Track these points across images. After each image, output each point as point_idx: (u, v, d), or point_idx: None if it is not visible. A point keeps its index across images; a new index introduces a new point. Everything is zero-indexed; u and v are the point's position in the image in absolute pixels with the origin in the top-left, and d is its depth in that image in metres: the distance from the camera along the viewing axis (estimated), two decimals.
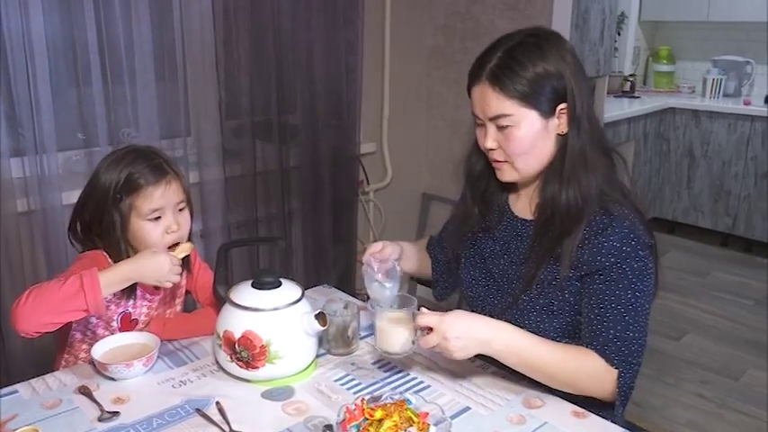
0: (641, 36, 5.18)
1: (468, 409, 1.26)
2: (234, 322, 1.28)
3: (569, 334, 1.34)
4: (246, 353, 1.27)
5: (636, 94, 4.84)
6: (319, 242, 2.90)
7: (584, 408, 1.26)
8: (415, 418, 1.13)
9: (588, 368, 1.25)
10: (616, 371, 1.24)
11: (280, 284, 1.33)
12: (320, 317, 1.30)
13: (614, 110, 4.20)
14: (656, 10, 4.96)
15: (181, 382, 1.33)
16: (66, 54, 2.14)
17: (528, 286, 1.35)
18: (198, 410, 1.22)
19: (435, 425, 1.13)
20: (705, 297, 3.75)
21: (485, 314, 1.37)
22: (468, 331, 1.22)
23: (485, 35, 3.10)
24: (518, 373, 1.36)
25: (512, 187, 1.45)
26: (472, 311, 1.46)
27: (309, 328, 1.29)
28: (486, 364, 1.40)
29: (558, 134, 1.30)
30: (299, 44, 2.62)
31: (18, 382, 1.32)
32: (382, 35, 3.10)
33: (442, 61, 3.29)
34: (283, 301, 1.30)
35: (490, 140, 1.31)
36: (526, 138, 1.28)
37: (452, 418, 1.21)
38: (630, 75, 4.96)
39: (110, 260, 1.43)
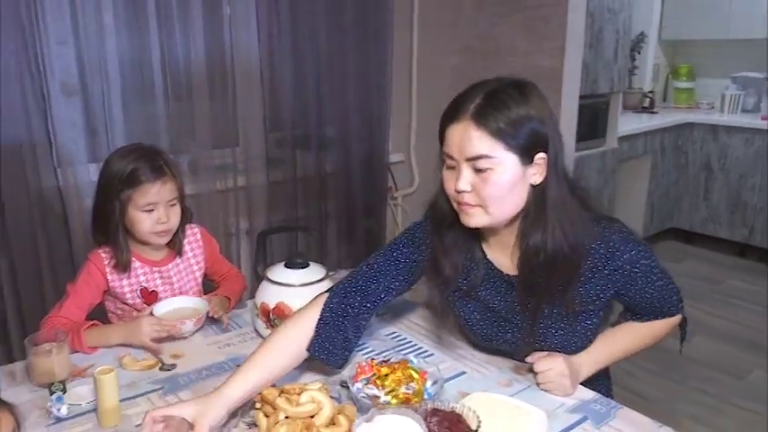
0: (661, 54, 5.27)
1: (463, 373, 1.42)
2: (269, 295, 1.50)
3: (596, 335, 1.41)
4: (279, 321, 1.48)
5: (655, 109, 4.93)
6: (352, 241, 3.09)
7: (583, 383, 1.38)
8: (415, 375, 1.29)
9: (660, 329, 1.43)
10: (679, 315, 1.44)
11: (308, 265, 1.55)
12: None
13: (632, 124, 4.32)
14: (677, 29, 5.04)
15: (226, 344, 1.55)
16: (134, 75, 2.36)
17: (532, 334, 1.36)
18: (238, 366, 1.40)
19: (433, 382, 1.30)
20: (717, 303, 3.80)
21: (503, 348, 1.45)
22: (571, 369, 1.32)
23: (505, 54, 3.27)
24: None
25: (481, 236, 1.37)
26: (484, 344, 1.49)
27: None
28: None
29: (531, 184, 1.24)
30: (334, 64, 2.82)
31: None
32: (410, 55, 3.29)
33: (465, 79, 3.35)
34: (310, 278, 1.51)
35: (464, 182, 1.21)
36: (504, 182, 1.20)
37: (449, 379, 1.38)
38: (650, 91, 5.05)
39: (107, 260, 1.63)
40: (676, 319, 1.45)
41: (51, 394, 1.24)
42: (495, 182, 1.20)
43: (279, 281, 1.50)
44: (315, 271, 1.55)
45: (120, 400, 1.24)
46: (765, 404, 2.78)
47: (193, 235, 1.80)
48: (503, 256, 1.36)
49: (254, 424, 1.18)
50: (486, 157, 1.18)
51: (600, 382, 1.47)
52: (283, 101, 2.74)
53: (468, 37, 3.42)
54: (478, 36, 3.37)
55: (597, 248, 1.28)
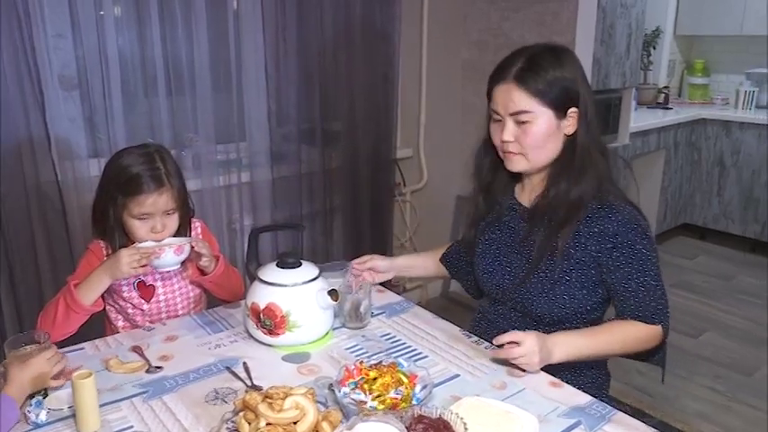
0: (677, 50, 5.14)
1: (457, 375, 1.36)
2: (260, 295, 1.43)
3: (579, 305, 1.47)
4: (269, 321, 1.41)
5: (669, 105, 4.80)
6: (358, 237, 3.02)
7: (583, 389, 1.33)
8: (404, 380, 1.23)
9: (637, 336, 1.42)
10: (660, 326, 1.43)
11: (300, 265, 1.47)
12: (333, 293, 1.43)
13: (646, 120, 4.20)
14: (692, 25, 4.92)
15: (216, 345, 1.48)
16: (135, 69, 2.29)
17: (532, 271, 1.47)
18: (227, 368, 1.37)
19: (422, 387, 1.24)
20: (728, 299, 3.71)
21: (496, 292, 1.58)
22: (543, 346, 1.32)
23: (515, 49, 3.18)
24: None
25: (517, 179, 1.56)
26: (484, 291, 1.65)
27: (323, 302, 1.42)
28: (480, 341, 1.50)
29: (565, 134, 1.42)
30: (340, 59, 2.75)
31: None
32: (420, 49, 3.21)
33: (476, 73, 3.37)
34: (302, 278, 1.44)
35: (508, 134, 1.41)
36: (541, 133, 1.40)
37: (442, 383, 1.31)
38: (665, 87, 4.92)
39: (106, 251, 1.60)
40: (658, 330, 1.43)
41: (31, 398, 1.18)
42: (533, 132, 1.40)
43: (270, 281, 1.43)
44: (307, 270, 1.47)
45: (102, 405, 1.19)
46: None
47: (194, 230, 1.74)
48: (525, 193, 1.54)
49: (236, 430, 1.12)
50: (526, 112, 1.38)
51: (596, 371, 1.51)
52: (289, 95, 2.68)
53: (480, 31, 3.34)
54: (489, 30, 3.29)
55: (595, 208, 1.42)
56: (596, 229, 1.41)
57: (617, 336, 1.42)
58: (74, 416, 1.16)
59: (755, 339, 3.24)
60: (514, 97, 1.38)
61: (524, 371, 1.35)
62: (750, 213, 4.42)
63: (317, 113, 2.75)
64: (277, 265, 1.47)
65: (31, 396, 1.19)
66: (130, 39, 2.27)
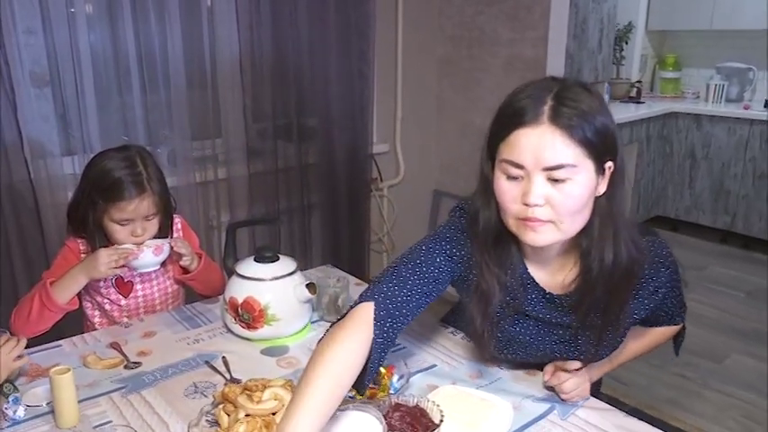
0: (648, 44, 5.22)
1: (434, 366, 1.38)
2: (238, 290, 1.44)
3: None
4: (248, 315, 1.43)
5: (642, 99, 4.87)
6: (336, 232, 3.04)
7: None
8: (382, 370, 1.26)
9: (663, 336, 1.40)
10: (682, 325, 1.41)
11: (278, 259, 1.49)
12: (310, 286, 1.45)
13: (619, 114, 4.26)
14: (663, 20, 4.99)
15: (195, 340, 1.49)
16: (108, 65, 2.28)
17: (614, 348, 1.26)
18: (206, 362, 1.38)
19: (399, 377, 1.27)
20: (700, 289, 3.78)
21: (536, 357, 1.32)
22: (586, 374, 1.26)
23: (489, 43, 3.22)
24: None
25: (522, 251, 1.22)
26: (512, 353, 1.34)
27: (301, 295, 1.44)
28: (456, 331, 1.53)
29: (595, 195, 1.09)
30: (315, 55, 2.75)
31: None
32: (395, 44, 3.22)
33: (451, 68, 3.41)
34: (280, 272, 1.46)
35: (537, 195, 1.04)
36: (581, 195, 1.05)
37: (418, 372, 1.34)
38: (637, 81, 5.00)
39: (83, 249, 1.60)
40: (679, 326, 1.43)
41: (6, 397, 1.18)
42: (572, 194, 1.04)
43: (248, 275, 1.45)
44: (285, 264, 1.49)
45: (81, 400, 1.20)
46: (742, 388, 2.77)
47: (174, 225, 1.74)
48: (543, 273, 1.22)
49: (216, 422, 1.13)
50: (571, 166, 1.02)
51: None
52: (264, 91, 2.67)
53: (454, 26, 3.36)
54: (464, 25, 3.31)
55: (646, 266, 1.17)
56: (651, 287, 1.20)
57: (645, 341, 1.39)
58: (52, 412, 1.17)
59: (726, 328, 3.31)
60: (555, 146, 1.01)
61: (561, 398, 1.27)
62: (720, 205, 4.51)
63: (292, 109, 2.75)
64: (255, 260, 1.49)
65: (5, 394, 1.19)
66: (103, 35, 2.25)
